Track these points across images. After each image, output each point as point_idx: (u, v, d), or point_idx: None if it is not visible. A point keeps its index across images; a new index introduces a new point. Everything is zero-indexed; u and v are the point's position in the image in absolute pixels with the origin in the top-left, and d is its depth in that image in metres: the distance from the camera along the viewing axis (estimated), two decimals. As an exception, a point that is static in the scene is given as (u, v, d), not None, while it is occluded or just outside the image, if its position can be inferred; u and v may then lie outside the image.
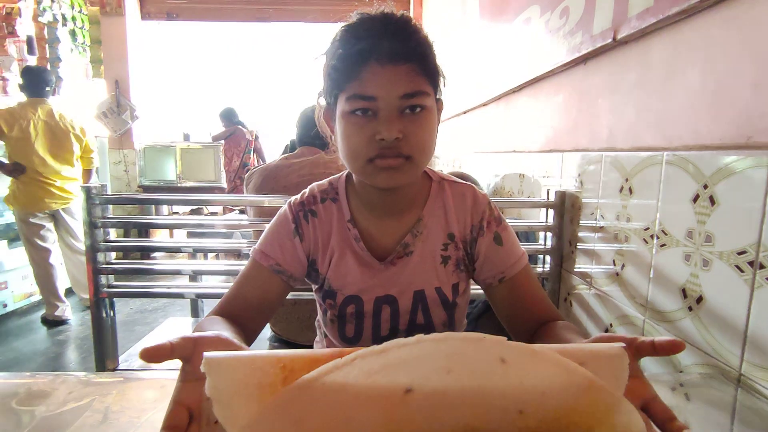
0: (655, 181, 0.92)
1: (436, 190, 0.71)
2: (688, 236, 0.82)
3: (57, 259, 2.93)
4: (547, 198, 1.40)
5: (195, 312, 2.01)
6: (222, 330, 0.53)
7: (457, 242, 0.69)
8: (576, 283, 1.30)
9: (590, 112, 1.24)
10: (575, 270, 1.31)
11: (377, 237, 0.68)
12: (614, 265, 1.08)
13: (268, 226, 0.71)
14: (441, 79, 0.64)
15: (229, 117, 4.53)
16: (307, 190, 0.72)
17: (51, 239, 2.90)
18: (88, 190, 1.24)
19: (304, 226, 0.69)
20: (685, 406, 0.62)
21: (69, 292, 3.17)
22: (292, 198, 0.72)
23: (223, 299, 0.65)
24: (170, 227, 3.56)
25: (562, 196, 1.35)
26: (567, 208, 1.34)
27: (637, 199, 0.99)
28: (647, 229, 0.95)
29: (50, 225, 2.89)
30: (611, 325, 1.09)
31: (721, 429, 0.56)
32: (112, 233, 1.60)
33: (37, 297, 3.08)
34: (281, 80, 5.12)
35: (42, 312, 2.97)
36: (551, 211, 1.39)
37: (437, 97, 0.64)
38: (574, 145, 1.33)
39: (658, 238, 0.91)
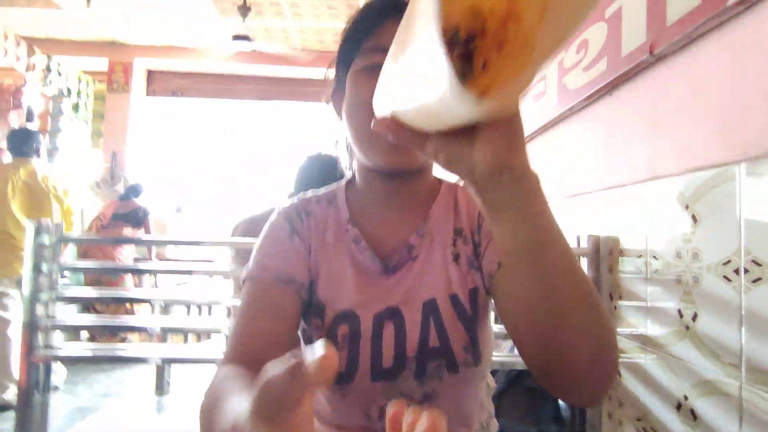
0: (730, 199, 0.74)
1: (446, 188, 0.64)
2: (797, 261, 0.62)
3: (16, 332, 2.61)
4: (578, 245, 1.21)
5: (160, 386, 1.68)
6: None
7: (465, 235, 0.59)
8: (624, 347, 1.06)
9: (622, 143, 1.10)
10: (620, 331, 1.08)
11: (380, 238, 0.59)
12: (681, 316, 0.86)
13: (256, 245, 0.58)
14: None
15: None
16: (300, 195, 0.64)
17: (12, 309, 2.61)
18: (37, 225, 1.04)
19: (299, 225, 0.59)
20: None
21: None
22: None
23: (231, 343, 0.51)
24: (141, 272, 3.32)
25: (596, 241, 1.16)
26: (603, 255, 1.14)
27: (705, 227, 0.80)
28: (728, 262, 0.75)
29: (15, 293, 2.62)
30: (686, 398, 0.84)
31: None
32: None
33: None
34: (278, 156, 5.16)
35: (-12, 395, 2.58)
36: (584, 261, 1.19)
37: None
38: (605, 183, 1.17)
39: (747, 271, 0.71)
